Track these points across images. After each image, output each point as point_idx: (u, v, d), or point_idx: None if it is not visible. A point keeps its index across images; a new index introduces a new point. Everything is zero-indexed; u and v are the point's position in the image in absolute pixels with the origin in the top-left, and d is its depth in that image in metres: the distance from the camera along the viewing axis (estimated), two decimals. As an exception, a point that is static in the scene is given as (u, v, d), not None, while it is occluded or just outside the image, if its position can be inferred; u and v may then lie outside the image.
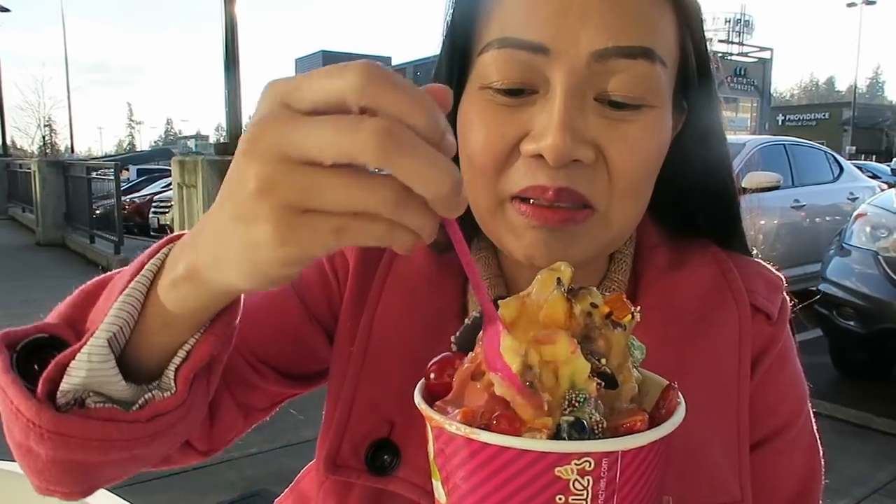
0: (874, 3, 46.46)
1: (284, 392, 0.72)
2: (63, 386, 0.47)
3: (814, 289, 4.72)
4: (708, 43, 0.66)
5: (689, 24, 0.62)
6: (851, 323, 4.36)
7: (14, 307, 6.73)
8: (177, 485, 3.08)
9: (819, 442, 0.71)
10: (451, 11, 0.66)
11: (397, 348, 0.67)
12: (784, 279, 0.72)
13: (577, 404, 0.38)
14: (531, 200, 0.58)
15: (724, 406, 0.65)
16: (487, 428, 0.38)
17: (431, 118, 0.35)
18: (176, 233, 0.50)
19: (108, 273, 0.55)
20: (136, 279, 0.48)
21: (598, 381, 0.39)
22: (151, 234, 12.70)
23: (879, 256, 4.35)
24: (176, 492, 3.05)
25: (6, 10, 24.84)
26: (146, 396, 0.49)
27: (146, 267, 0.48)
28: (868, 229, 4.54)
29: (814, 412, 0.72)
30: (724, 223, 0.73)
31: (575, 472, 0.36)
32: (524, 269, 0.68)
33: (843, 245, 4.65)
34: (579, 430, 0.37)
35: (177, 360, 0.50)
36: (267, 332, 0.68)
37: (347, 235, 0.36)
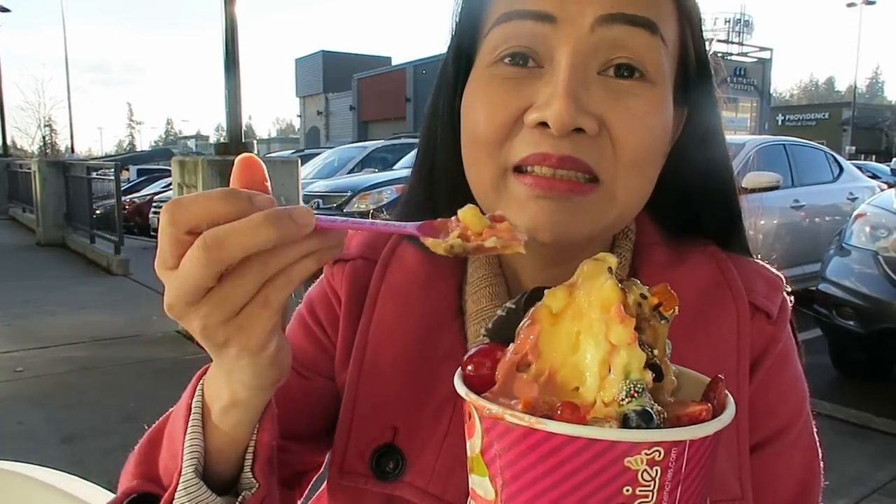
0: (874, 3, 46.36)
1: (323, 454, 0.74)
2: None
3: (814, 289, 4.72)
4: (708, 44, 0.67)
5: (689, 20, 0.63)
6: (851, 323, 4.35)
7: (14, 307, 6.72)
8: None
9: (818, 443, 0.71)
10: (458, 9, 0.67)
11: (394, 353, 0.67)
12: (784, 279, 0.72)
13: (636, 394, 0.37)
14: (534, 172, 0.59)
15: None
16: (549, 418, 0.36)
17: (232, 199, 0.42)
18: (203, 367, 0.57)
19: (157, 424, 0.63)
20: (191, 418, 0.56)
21: (651, 372, 0.38)
22: (151, 234, 12.65)
23: (879, 256, 4.35)
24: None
25: (6, 10, 24.84)
26: (240, 499, 0.56)
27: (193, 405, 0.56)
28: (868, 229, 4.54)
29: (814, 412, 0.72)
30: (724, 224, 0.73)
31: (645, 462, 0.35)
32: (526, 265, 0.68)
33: (843, 245, 4.65)
34: (647, 420, 0.36)
35: (248, 461, 0.57)
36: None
37: (274, 297, 0.45)
